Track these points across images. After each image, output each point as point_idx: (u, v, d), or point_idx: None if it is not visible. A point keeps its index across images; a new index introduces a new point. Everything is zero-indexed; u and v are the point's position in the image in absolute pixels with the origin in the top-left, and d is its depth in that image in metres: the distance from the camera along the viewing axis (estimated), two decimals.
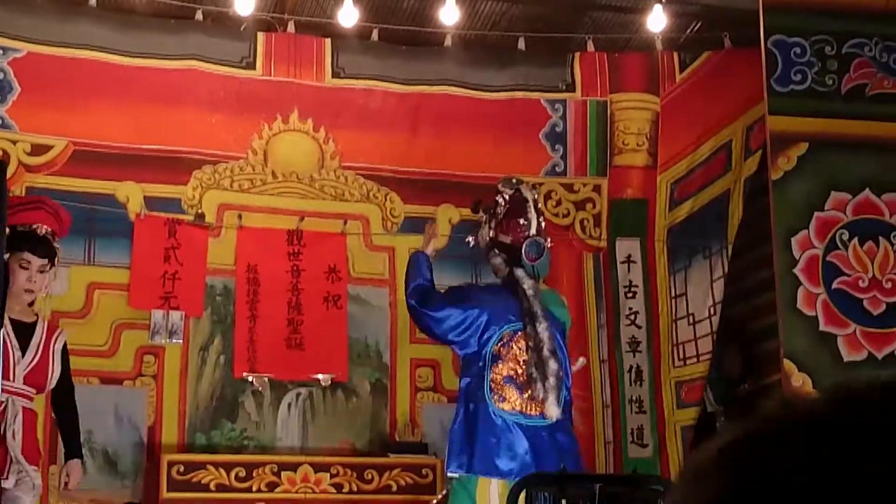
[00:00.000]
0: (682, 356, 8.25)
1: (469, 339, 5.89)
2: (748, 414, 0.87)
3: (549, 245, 6.16)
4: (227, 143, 8.22)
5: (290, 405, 8.11)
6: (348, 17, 8.13)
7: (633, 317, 8.59)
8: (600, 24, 8.81)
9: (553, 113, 8.78)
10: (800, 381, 6.34)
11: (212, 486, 7.59)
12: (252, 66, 8.32)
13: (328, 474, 7.76)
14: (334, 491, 7.74)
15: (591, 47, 8.78)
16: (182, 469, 7.58)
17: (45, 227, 6.01)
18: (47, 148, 7.83)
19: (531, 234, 6.07)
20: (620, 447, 8.39)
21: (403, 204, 8.49)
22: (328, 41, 8.48)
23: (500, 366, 5.84)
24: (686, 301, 8.25)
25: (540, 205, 6.28)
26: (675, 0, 8.23)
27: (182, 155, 8.09)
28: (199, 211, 8.09)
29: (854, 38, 6.71)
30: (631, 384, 8.47)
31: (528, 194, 6.18)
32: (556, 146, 8.76)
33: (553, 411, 5.75)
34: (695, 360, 8.08)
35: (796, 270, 6.47)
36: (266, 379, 8.05)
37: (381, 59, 8.58)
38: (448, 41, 8.59)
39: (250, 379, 8.01)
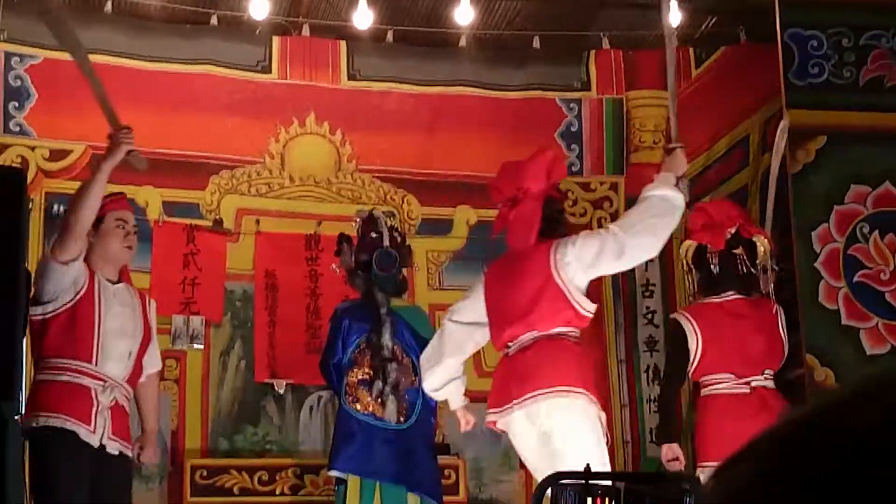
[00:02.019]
0: None
1: (337, 347, 6.34)
2: None
3: (411, 265, 6.68)
4: (244, 147, 8.23)
5: (311, 409, 8.12)
6: (363, 19, 8.14)
7: (650, 316, 8.57)
8: (615, 22, 8.79)
9: (568, 112, 8.77)
10: (823, 376, 6.32)
11: (235, 490, 7.61)
12: (268, 69, 8.34)
13: None
14: None
15: (606, 45, 8.77)
16: (205, 473, 7.60)
17: None
18: (66, 153, 7.86)
19: (383, 246, 6.41)
20: (639, 446, 8.38)
21: (420, 206, 8.48)
22: (343, 43, 8.48)
23: (356, 370, 6.27)
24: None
25: (393, 223, 6.66)
26: None
27: (200, 160, 8.11)
28: (218, 216, 8.11)
29: (871, 30, 6.69)
30: (648, 384, 8.46)
31: (378, 214, 6.63)
32: (572, 145, 8.75)
33: (391, 415, 6.17)
34: None
35: (817, 264, 6.45)
36: (286, 383, 8.06)
37: (396, 61, 8.58)
38: (463, 41, 8.60)
39: (272, 383, 8.03)
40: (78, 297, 5.56)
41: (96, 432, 5.48)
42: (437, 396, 5.94)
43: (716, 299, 6.24)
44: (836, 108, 6.62)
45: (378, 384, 6.17)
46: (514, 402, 5.20)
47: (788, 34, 6.66)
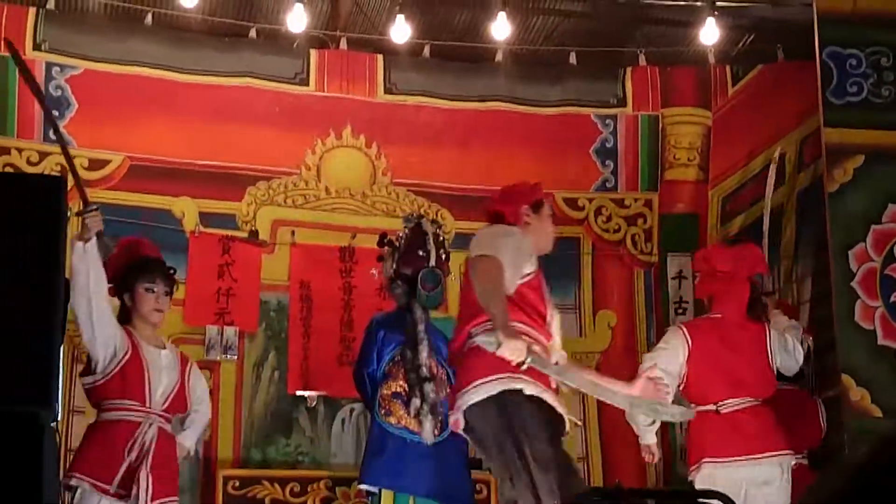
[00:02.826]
0: None
1: (371, 358, 6.26)
2: None
3: (447, 278, 6.51)
4: (280, 159, 8.26)
5: (343, 421, 8.12)
6: (400, 33, 8.16)
7: None
8: (652, 38, 8.79)
9: (604, 128, 8.76)
10: (858, 396, 6.30)
11: (267, 501, 7.62)
12: (305, 82, 8.36)
13: None
14: None
15: (642, 61, 8.76)
16: (237, 484, 7.62)
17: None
18: (105, 163, 7.90)
19: (429, 265, 6.33)
20: (670, 464, 8.35)
21: (454, 220, 8.48)
22: (380, 57, 8.51)
23: (390, 383, 6.17)
24: None
25: (442, 238, 6.53)
26: (727, 13, 8.19)
27: (236, 171, 8.14)
28: (254, 227, 8.14)
29: None
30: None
31: (427, 227, 6.46)
32: (607, 161, 8.74)
33: (427, 434, 6.07)
34: None
35: (853, 284, 6.43)
36: (319, 395, 8.07)
37: (432, 75, 8.60)
38: (499, 56, 8.61)
39: (305, 395, 8.04)
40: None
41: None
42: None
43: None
44: (875, 127, 6.59)
45: (415, 402, 6.08)
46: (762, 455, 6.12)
47: (827, 52, 6.64)
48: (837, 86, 6.59)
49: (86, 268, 5.67)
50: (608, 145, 8.75)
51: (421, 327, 6.21)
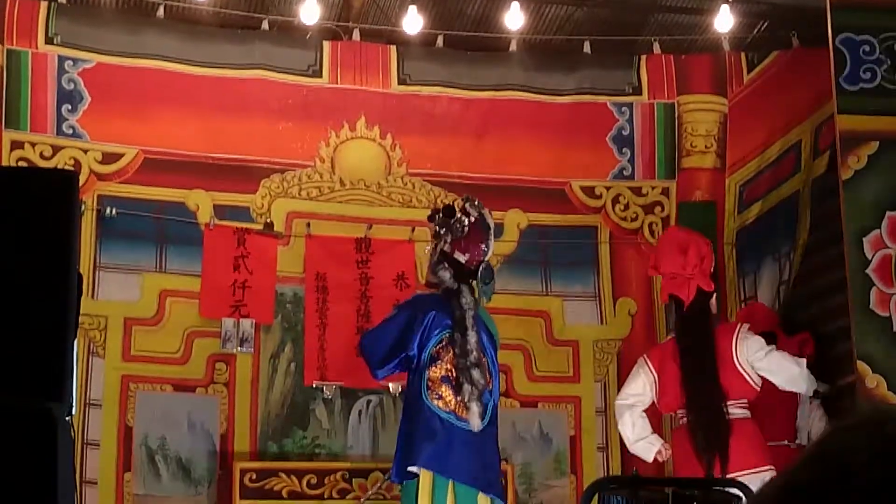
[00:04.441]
0: None
1: (411, 338, 6.26)
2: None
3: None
4: (294, 151, 8.26)
5: (360, 412, 8.13)
6: (413, 24, 8.16)
7: None
8: (666, 26, 8.77)
9: (619, 116, 8.74)
10: (874, 383, 6.27)
11: (284, 494, 7.64)
12: (318, 73, 8.36)
13: None
14: None
15: (657, 49, 8.73)
16: (254, 476, 7.63)
17: None
18: (118, 156, 7.91)
19: (486, 260, 6.45)
20: None
21: None
22: (393, 48, 8.50)
23: (439, 366, 6.21)
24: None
25: (491, 224, 6.59)
26: (742, 0, 8.17)
27: (250, 164, 8.15)
28: (269, 220, 8.14)
29: None
30: None
31: (490, 221, 6.54)
32: (623, 149, 8.72)
33: (474, 420, 6.12)
34: None
35: (868, 271, 6.40)
36: (336, 387, 8.08)
37: (446, 66, 8.59)
38: (513, 46, 8.59)
39: (321, 387, 8.05)
40: None
41: None
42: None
43: None
44: (888, 114, 6.56)
45: (467, 388, 6.12)
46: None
47: (840, 39, 6.61)
48: (851, 72, 6.55)
49: None
50: (625, 133, 8.73)
51: (471, 313, 6.25)
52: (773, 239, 8.07)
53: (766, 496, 0.88)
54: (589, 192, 8.62)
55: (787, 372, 6.68)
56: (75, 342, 5.47)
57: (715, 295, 7.00)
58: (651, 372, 6.84)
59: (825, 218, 7.20)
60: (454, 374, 6.18)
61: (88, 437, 7.57)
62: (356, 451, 8.07)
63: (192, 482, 7.76)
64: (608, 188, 8.65)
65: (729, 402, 6.59)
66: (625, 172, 8.71)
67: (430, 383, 6.19)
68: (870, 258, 6.39)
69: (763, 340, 6.75)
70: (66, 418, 4.97)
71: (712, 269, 6.96)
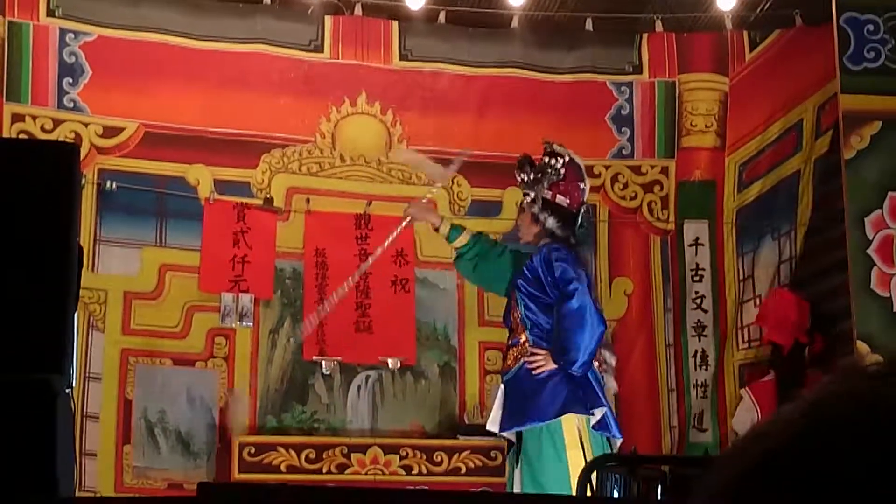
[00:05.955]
0: (746, 339, 8.20)
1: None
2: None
3: None
4: (295, 126, 8.25)
5: (359, 388, 8.14)
6: None
7: (699, 300, 8.52)
8: (668, 4, 8.74)
9: (619, 96, 8.73)
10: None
11: (282, 468, 7.65)
12: (320, 49, 8.35)
13: (398, 456, 7.78)
14: (403, 473, 7.76)
15: (659, 27, 8.72)
16: (253, 451, 7.64)
17: None
18: (119, 130, 7.90)
19: (585, 200, 6.08)
20: (685, 432, 8.35)
21: (471, 187, 8.47)
22: (395, 24, 8.48)
23: None
24: (753, 283, 8.19)
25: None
26: None
27: (251, 139, 8.14)
28: (269, 195, 8.14)
29: None
30: (696, 369, 8.41)
31: (579, 161, 6.11)
32: (623, 129, 8.71)
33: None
34: (759, 343, 8.02)
35: (870, 251, 6.40)
36: (335, 362, 8.09)
37: (448, 42, 8.57)
38: (515, 23, 8.57)
39: (320, 362, 8.05)
40: None
41: None
42: None
43: None
44: (892, 94, 6.56)
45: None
46: None
47: (844, 18, 6.60)
48: (854, 52, 6.55)
49: None
50: (624, 112, 8.72)
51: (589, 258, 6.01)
52: (772, 218, 8.07)
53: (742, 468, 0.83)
54: (588, 170, 8.55)
55: None
56: (75, 315, 5.48)
57: None
58: None
59: (827, 198, 7.20)
60: None
61: (88, 409, 7.58)
62: (355, 425, 8.08)
63: (192, 455, 7.78)
64: (607, 167, 8.64)
65: None
66: (624, 151, 8.70)
67: None
68: (871, 238, 6.39)
69: None
70: (66, 391, 4.98)
71: None
